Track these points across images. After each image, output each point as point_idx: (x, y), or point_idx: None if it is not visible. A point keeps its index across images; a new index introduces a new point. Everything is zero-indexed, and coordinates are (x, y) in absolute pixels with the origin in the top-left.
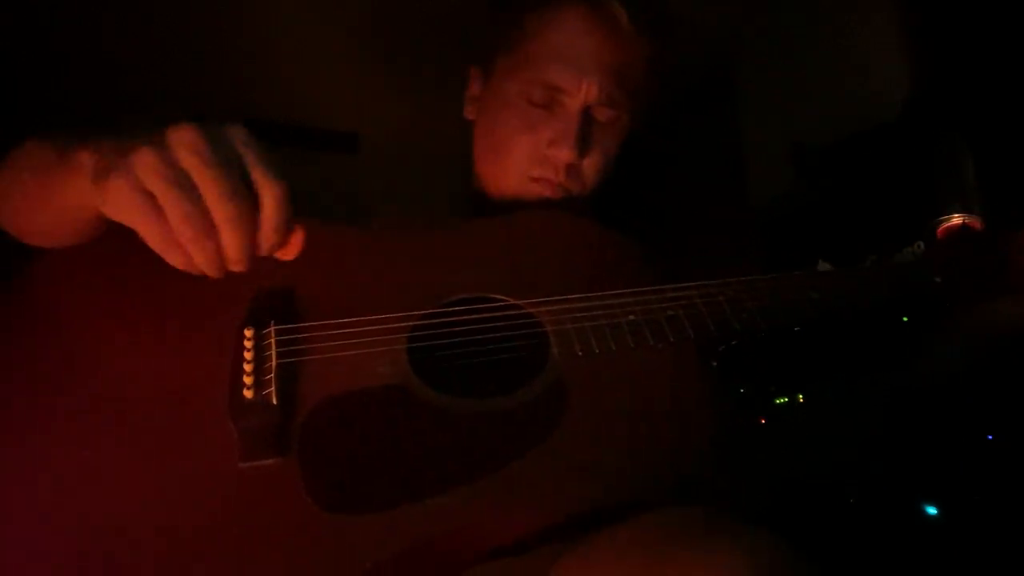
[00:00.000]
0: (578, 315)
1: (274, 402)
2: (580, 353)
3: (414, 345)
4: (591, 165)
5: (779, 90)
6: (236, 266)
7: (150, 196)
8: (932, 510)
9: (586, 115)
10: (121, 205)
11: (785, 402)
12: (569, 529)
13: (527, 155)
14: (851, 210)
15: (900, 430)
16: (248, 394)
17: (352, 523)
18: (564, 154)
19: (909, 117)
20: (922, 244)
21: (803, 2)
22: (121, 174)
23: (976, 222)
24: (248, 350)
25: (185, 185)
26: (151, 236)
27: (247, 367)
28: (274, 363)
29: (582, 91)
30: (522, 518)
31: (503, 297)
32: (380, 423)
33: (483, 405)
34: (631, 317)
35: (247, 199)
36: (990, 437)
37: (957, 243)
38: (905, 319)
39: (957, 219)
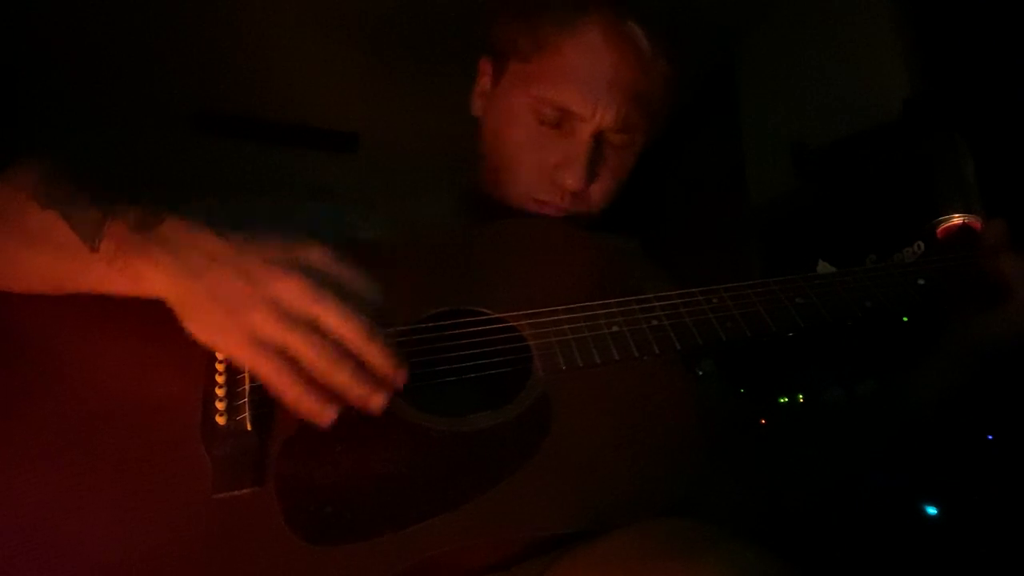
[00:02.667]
0: (561, 327)
1: (248, 428)
2: (563, 367)
3: None
4: (600, 190)
5: (779, 90)
6: (399, 374)
7: (272, 348)
8: (932, 510)
9: (598, 140)
10: (245, 358)
11: (786, 402)
12: (557, 544)
13: (532, 176)
14: (851, 210)
15: (901, 435)
16: (221, 420)
17: (334, 554)
18: (571, 182)
19: (909, 117)
20: (922, 244)
21: (803, 2)
22: (239, 334)
23: (976, 222)
24: (220, 373)
25: (312, 330)
26: (276, 383)
27: (219, 391)
28: (247, 386)
29: (596, 117)
30: (508, 540)
31: (485, 310)
32: (361, 447)
33: (466, 425)
34: (615, 328)
35: (366, 318)
36: (990, 437)
37: (955, 244)
38: (905, 319)
39: (957, 219)
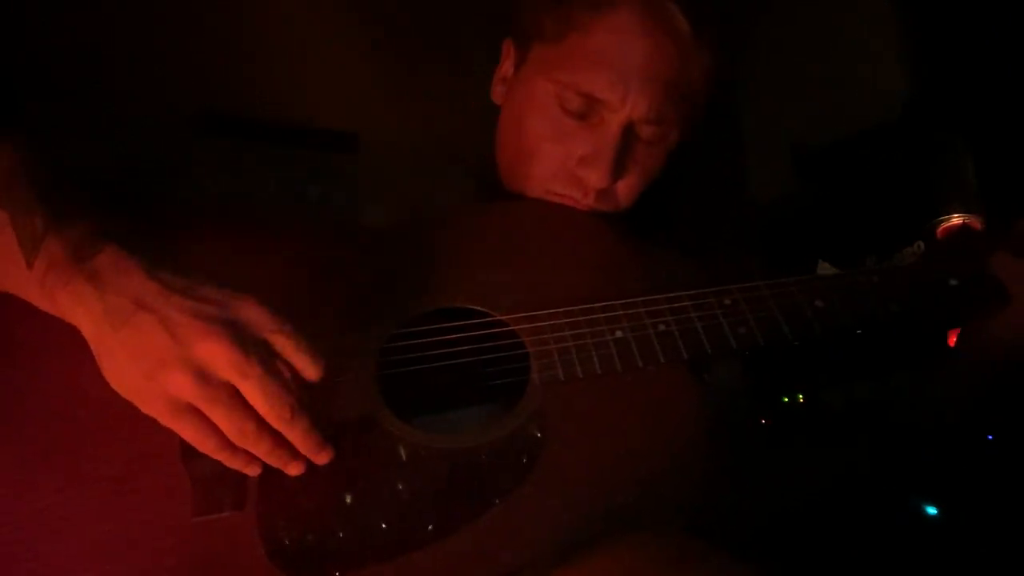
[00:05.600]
0: (562, 333)
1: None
2: (562, 378)
3: (385, 371)
4: (627, 187)
5: (779, 90)
6: (320, 457)
7: (194, 411)
8: (932, 510)
9: (627, 133)
10: (162, 418)
11: (787, 402)
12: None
13: (553, 169)
14: (851, 210)
15: (901, 435)
16: None
17: None
18: (595, 178)
19: (909, 117)
20: (922, 244)
21: (803, 2)
22: (156, 396)
23: (976, 222)
24: None
25: (231, 400)
26: (197, 444)
27: None
28: None
29: (626, 107)
30: (502, 565)
31: (483, 309)
32: (346, 467)
33: (458, 441)
34: (619, 334)
35: (293, 392)
36: (990, 437)
37: (958, 243)
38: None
39: (957, 219)
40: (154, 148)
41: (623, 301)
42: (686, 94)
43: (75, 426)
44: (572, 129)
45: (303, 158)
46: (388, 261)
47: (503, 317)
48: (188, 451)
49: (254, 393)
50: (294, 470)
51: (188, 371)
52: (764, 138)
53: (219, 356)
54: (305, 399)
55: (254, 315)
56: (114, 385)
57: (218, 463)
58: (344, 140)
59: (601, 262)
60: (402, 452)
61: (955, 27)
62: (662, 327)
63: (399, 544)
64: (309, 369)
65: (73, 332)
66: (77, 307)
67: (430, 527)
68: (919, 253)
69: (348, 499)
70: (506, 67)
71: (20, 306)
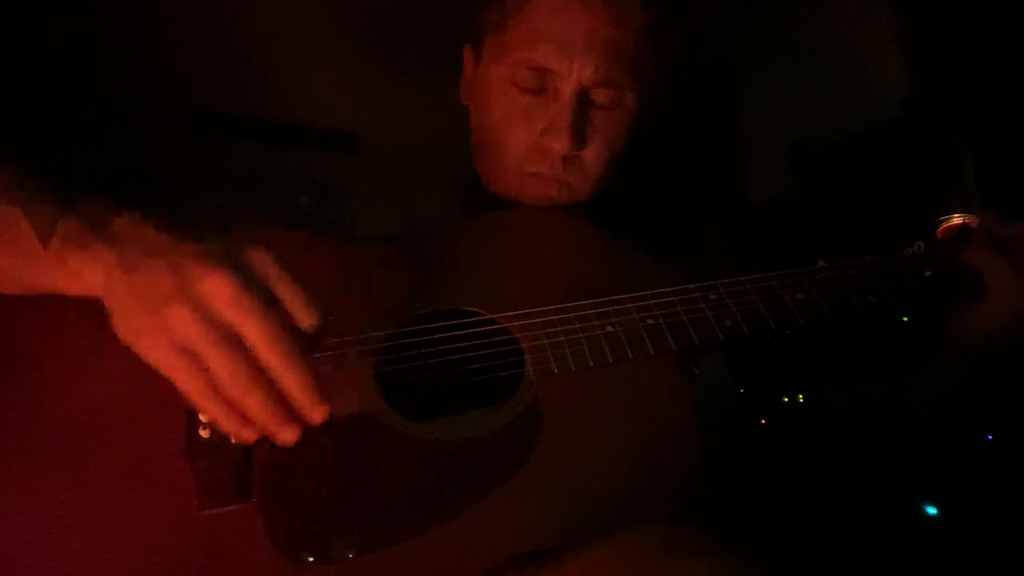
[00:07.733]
0: (554, 328)
1: (231, 441)
2: (556, 371)
3: (383, 369)
4: (593, 155)
5: (779, 90)
6: (315, 413)
7: (189, 353)
8: (932, 510)
9: (582, 99)
10: (161, 362)
11: (787, 402)
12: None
13: (521, 149)
14: (851, 210)
15: (901, 435)
16: (204, 433)
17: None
18: (558, 145)
19: (909, 117)
20: (922, 244)
21: (803, 2)
22: (158, 334)
23: (976, 222)
24: None
25: (229, 340)
26: (192, 393)
27: None
28: None
29: (574, 72)
30: (497, 554)
31: (477, 310)
32: (347, 459)
33: (455, 433)
34: (609, 328)
35: (292, 339)
36: (990, 437)
37: (956, 242)
38: (905, 319)
39: (957, 219)
40: (154, 148)
41: (611, 299)
42: (629, 56)
43: (79, 428)
44: (530, 106)
45: (303, 158)
46: (383, 268)
47: (496, 316)
48: (191, 446)
49: (254, 326)
50: (287, 434)
51: (189, 305)
52: (764, 138)
53: (221, 290)
54: (302, 349)
55: (259, 260)
56: (119, 333)
57: (221, 458)
58: (344, 140)
59: (587, 265)
60: (402, 444)
61: (955, 28)
62: (650, 321)
63: (400, 531)
64: (306, 318)
65: (79, 338)
66: (91, 263)
67: (430, 514)
68: (919, 253)
69: (350, 489)
70: (468, 70)
71: (29, 315)
